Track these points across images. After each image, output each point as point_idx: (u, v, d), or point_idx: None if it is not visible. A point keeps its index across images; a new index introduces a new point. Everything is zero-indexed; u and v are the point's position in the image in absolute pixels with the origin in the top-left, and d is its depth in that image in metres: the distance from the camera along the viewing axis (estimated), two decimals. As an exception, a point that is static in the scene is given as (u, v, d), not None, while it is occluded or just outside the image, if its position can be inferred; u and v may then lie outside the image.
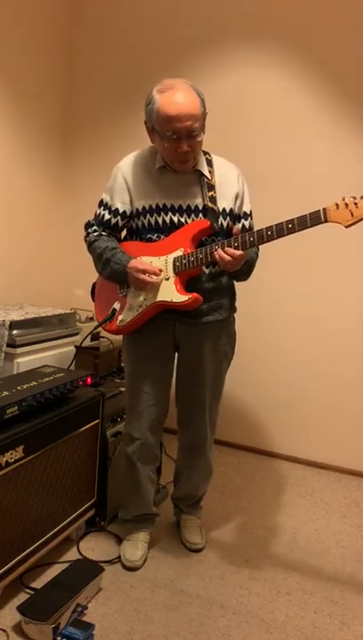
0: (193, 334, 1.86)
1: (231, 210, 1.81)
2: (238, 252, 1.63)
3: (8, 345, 2.29)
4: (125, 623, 1.68)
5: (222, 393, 2.03)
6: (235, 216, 1.83)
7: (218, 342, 1.91)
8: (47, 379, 1.89)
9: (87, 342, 2.90)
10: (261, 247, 1.84)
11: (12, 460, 1.62)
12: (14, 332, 2.31)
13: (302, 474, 2.82)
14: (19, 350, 2.31)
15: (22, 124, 2.94)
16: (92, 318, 3.08)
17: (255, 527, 2.28)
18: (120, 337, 2.97)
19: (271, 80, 2.76)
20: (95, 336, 2.99)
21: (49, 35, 3.04)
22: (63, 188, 3.31)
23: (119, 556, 1.97)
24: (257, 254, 1.89)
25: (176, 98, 1.61)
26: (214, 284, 1.82)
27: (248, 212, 1.87)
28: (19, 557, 1.71)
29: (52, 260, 3.28)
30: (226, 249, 1.64)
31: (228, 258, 1.63)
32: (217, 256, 1.65)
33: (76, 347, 2.71)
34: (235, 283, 1.94)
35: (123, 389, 2.44)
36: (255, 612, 1.76)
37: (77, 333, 2.70)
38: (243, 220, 1.85)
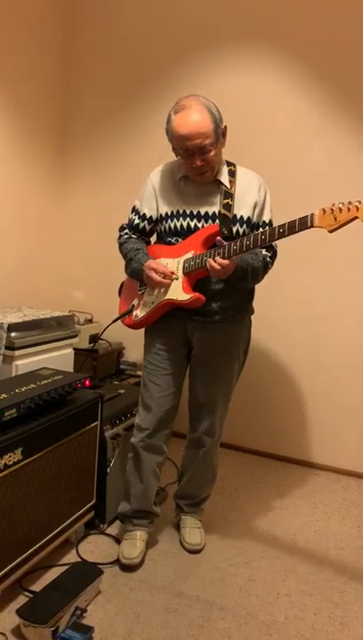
0: (204, 332, 1.93)
1: (249, 218, 1.88)
2: (226, 262, 1.70)
3: (6, 347, 2.29)
4: (125, 626, 1.67)
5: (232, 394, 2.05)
6: (254, 224, 1.90)
7: (230, 342, 1.96)
8: (45, 381, 1.90)
9: (85, 345, 2.91)
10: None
11: (11, 462, 1.62)
12: (12, 334, 2.31)
13: (302, 475, 2.82)
14: (17, 353, 2.31)
15: (20, 126, 2.94)
16: (90, 320, 3.08)
17: (255, 529, 2.28)
18: (118, 339, 3.03)
19: (271, 82, 2.76)
20: (94, 338, 2.99)
21: (46, 38, 3.05)
22: (61, 190, 3.31)
23: (118, 558, 1.97)
24: (267, 262, 1.89)
25: (187, 118, 1.72)
26: (226, 285, 1.88)
27: (267, 222, 1.92)
28: (18, 560, 1.71)
29: (50, 262, 3.28)
30: (215, 259, 1.72)
31: (217, 267, 1.71)
32: (208, 266, 1.73)
33: (73, 348, 2.71)
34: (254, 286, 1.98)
35: (121, 391, 2.46)
36: (255, 614, 1.76)
37: (76, 335, 2.70)
38: (262, 229, 1.89)
